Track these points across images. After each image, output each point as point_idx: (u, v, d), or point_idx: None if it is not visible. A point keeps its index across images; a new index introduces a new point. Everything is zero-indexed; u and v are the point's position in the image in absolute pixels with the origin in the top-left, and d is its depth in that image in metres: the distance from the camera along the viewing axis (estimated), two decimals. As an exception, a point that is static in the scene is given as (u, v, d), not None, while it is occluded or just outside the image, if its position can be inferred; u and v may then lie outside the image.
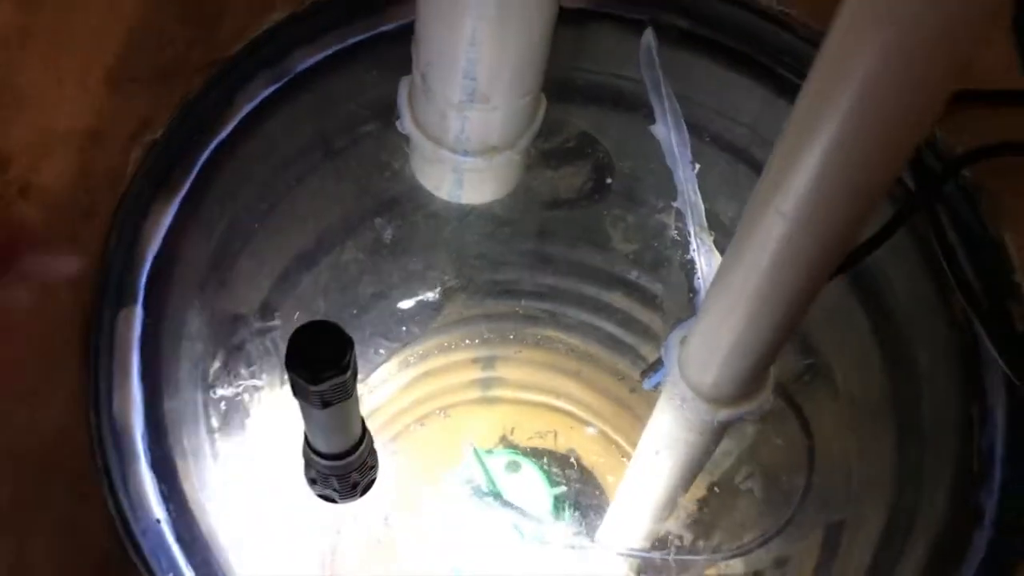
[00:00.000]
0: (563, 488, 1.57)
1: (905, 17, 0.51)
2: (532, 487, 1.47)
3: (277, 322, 1.16)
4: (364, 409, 1.65)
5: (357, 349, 1.24)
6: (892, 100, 0.55)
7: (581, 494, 1.70)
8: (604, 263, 1.44)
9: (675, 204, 0.99)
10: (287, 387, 0.70)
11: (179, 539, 0.81)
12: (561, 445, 1.86)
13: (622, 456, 1.80)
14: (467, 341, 1.67)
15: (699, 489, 1.59)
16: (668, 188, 1.01)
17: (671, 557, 1.28)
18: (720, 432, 0.94)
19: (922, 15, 0.50)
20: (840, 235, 0.65)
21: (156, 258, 0.92)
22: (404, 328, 1.48)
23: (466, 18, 0.84)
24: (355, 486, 0.79)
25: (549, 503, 1.44)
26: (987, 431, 0.89)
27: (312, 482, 0.80)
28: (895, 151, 0.59)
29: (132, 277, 0.90)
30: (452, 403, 1.82)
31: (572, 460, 1.83)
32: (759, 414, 0.89)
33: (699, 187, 1.00)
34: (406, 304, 1.48)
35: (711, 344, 0.84)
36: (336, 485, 0.78)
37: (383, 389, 1.67)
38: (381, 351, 1.48)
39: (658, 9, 1.08)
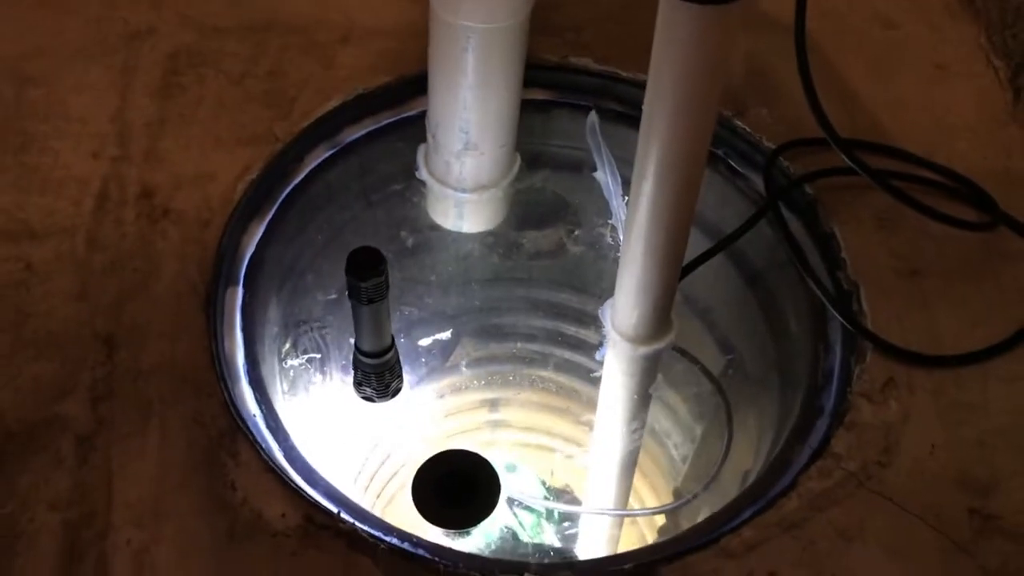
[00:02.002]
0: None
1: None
2: (527, 483, 1.81)
3: (327, 328, 1.57)
4: (385, 447, 2.04)
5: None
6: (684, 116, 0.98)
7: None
8: (578, 303, 1.85)
9: (611, 222, 1.41)
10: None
11: (269, 426, 1.19)
12: (558, 481, 2.20)
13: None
14: (475, 382, 2.06)
15: (666, 495, 1.94)
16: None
17: (637, 513, 1.62)
18: (647, 367, 1.31)
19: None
20: (681, 187, 1.06)
21: (251, 258, 1.34)
22: (423, 359, 1.88)
23: (461, 89, 1.29)
24: (388, 386, 1.18)
25: (542, 494, 1.78)
26: (828, 358, 1.27)
27: (358, 385, 1.19)
28: (695, 129, 1.01)
29: (236, 268, 1.32)
30: (464, 444, 2.17)
31: (567, 492, 2.17)
32: (668, 349, 1.28)
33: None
34: (424, 342, 1.88)
35: (626, 297, 1.23)
36: (375, 384, 1.17)
37: (406, 427, 2.04)
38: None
39: (600, 97, 1.54)
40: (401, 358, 1.86)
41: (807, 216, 1.37)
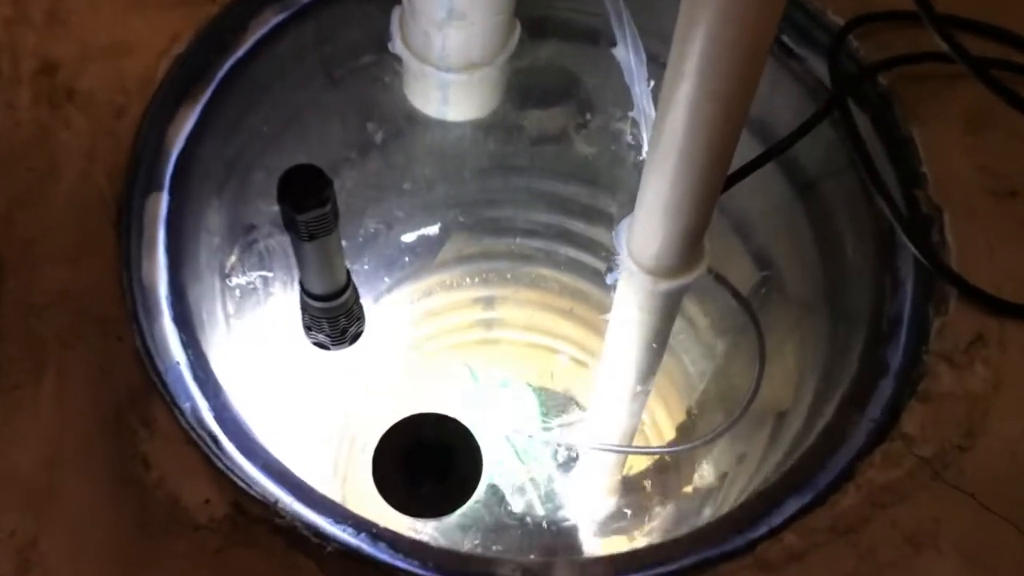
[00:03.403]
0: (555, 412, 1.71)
1: None
2: (523, 402, 1.60)
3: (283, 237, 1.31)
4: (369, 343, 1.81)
5: (362, 280, 1.39)
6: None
7: (573, 421, 1.83)
8: (588, 198, 1.58)
9: (631, 114, 1.13)
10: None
11: (196, 377, 0.95)
12: (558, 384, 2.00)
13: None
14: (468, 280, 1.82)
15: (680, 414, 1.73)
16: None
17: (645, 451, 1.41)
18: (667, 305, 1.07)
19: None
20: (731, 90, 0.78)
21: (180, 155, 1.07)
22: (407, 259, 1.63)
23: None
24: (344, 332, 0.94)
25: (539, 415, 1.57)
26: (897, 300, 1.02)
27: (308, 329, 0.95)
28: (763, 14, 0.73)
29: (159, 168, 1.05)
30: (456, 343, 1.96)
31: (569, 397, 1.97)
32: (695, 285, 1.03)
33: (653, 101, 1.13)
34: (409, 237, 1.63)
35: (647, 219, 0.97)
36: (327, 329, 0.93)
37: (390, 325, 1.81)
38: (386, 279, 1.63)
39: (622, -49, 1.22)
40: (381, 256, 1.63)
41: (878, 114, 1.09)
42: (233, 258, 1.19)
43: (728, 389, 1.56)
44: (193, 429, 0.89)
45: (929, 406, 0.91)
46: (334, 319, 0.92)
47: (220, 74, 1.12)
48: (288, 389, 1.28)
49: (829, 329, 1.17)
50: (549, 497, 1.56)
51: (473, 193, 1.59)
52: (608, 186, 1.51)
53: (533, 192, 1.61)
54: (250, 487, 0.87)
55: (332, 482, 1.63)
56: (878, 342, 1.00)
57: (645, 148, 1.10)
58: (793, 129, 1.08)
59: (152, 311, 0.97)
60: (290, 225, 0.80)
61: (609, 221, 1.60)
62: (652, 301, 1.05)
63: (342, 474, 1.71)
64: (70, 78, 1.07)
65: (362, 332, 0.97)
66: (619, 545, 1.75)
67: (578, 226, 1.65)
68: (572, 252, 1.72)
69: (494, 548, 1.50)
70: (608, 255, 1.69)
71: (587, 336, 1.90)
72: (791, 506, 0.90)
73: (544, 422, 1.58)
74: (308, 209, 0.77)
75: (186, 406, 0.92)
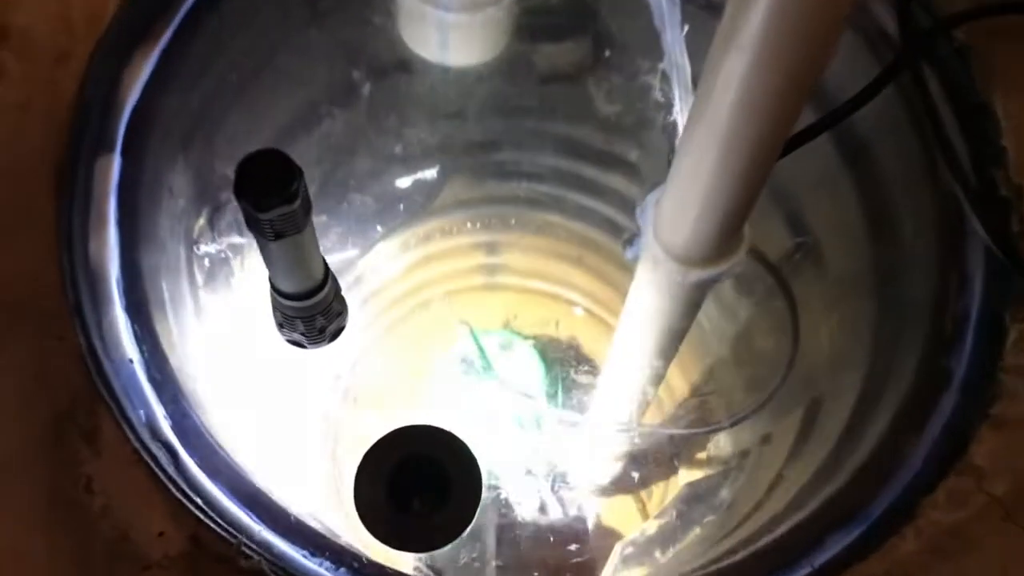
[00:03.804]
0: (559, 369, 1.59)
1: None
2: (526, 365, 1.48)
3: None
4: (364, 289, 1.68)
5: (353, 225, 1.24)
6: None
7: (580, 382, 1.71)
8: (603, 143, 1.42)
9: (661, 66, 0.97)
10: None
11: (151, 379, 0.82)
12: (563, 332, 1.87)
13: (623, 345, 1.80)
14: (469, 225, 1.67)
15: (694, 374, 1.61)
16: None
17: (659, 431, 1.29)
18: (693, 296, 0.93)
19: None
20: (798, 67, 0.63)
21: (136, 108, 0.92)
22: (402, 206, 1.48)
23: None
24: (322, 331, 0.80)
25: (543, 381, 1.46)
26: (964, 298, 0.87)
27: (280, 326, 0.81)
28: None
29: (110, 125, 0.90)
30: (455, 288, 1.83)
31: (573, 347, 1.84)
32: (730, 276, 0.89)
33: (687, 50, 0.97)
34: (404, 182, 1.48)
35: (682, 200, 0.83)
36: (302, 328, 0.79)
37: (385, 269, 1.68)
38: (379, 227, 1.49)
39: None
40: (373, 202, 1.48)
41: (951, 76, 0.93)
42: (201, 221, 1.04)
43: (748, 353, 1.43)
44: (145, 446, 0.77)
45: (1003, 433, 0.78)
46: (310, 318, 0.78)
47: (183, 9, 0.96)
48: (270, 361, 1.15)
49: (876, 317, 1.03)
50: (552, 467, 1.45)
51: (475, 135, 1.44)
52: (628, 131, 1.35)
53: (542, 135, 1.45)
54: (213, 517, 0.75)
55: (323, 451, 1.52)
56: (940, 347, 0.87)
57: (677, 107, 0.95)
58: (849, 87, 0.92)
59: (100, 300, 0.84)
60: (251, 223, 0.65)
61: (627, 168, 1.45)
62: (679, 291, 0.91)
63: (333, 434, 1.60)
64: (1, 13, 0.91)
65: (344, 327, 0.83)
66: (626, 505, 1.66)
67: (591, 172, 1.50)
68: (584, 199, 1.57)
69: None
70: (623, 202, 1.55)
71: (597, 285, 1.77)
72: (835, 543, 0.78)
73: (549, 393, 1.46)
74: (272, 207, 0.63)
75: (139, 415, 0.79)
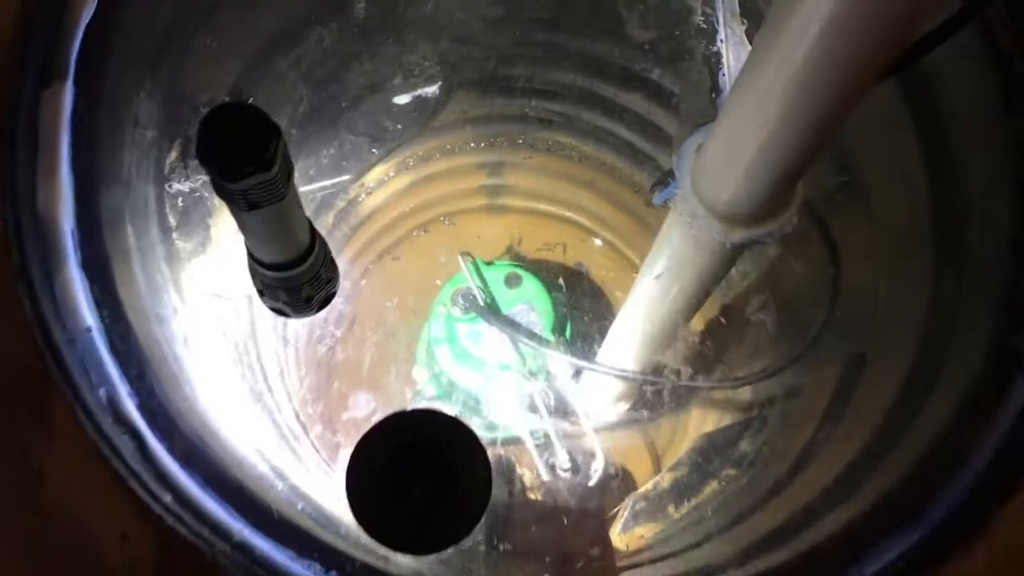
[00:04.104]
0: (565, 308, 1.48)
1: None
2: (533, 303, 1.38)
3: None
4: (362, 212, 1.56)
5: (347, 148, 1.11)
6: None
7: (588, 310, 1.61)
8: (623, 59, 1.28)
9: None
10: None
11: (113, 349, 0.71)
12: (570, 258, 1.76)
13: (634, 272, 1.69)
14: (472, 144, 1.54)
15: (710, 311, 1.50)
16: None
17: (674, 382, 1.19)
18: (733, 256, 0.82)
19: None
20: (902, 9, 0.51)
21: (90, 26, 0.79)
22: (400, 126, 1.35)
23: None
24: (309, 300, 0.69)
25: (549, 320, 1.35)
26: (1044, 266, 0.77)
27: (260, 293, 0.70)
28: None
29: (60, 48, 0.77)
30: (457, 210, 1.71)
31: (581, 273, 1.73)
32: (778, 236, 0.77)
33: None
34: (402, 99, 1.34)
35: (731, 152, 0.71)
36: (286, 298, 0.68)
37: (382, 191, 1.56)
38: (375, 150, 1.36)
39: None
40: (369, 120, 1.35)
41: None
42: (173, 155, 0.92)
43: (775, 291, 1.32)
44: (104, 434, 0.67)
45: (1090, 432, 0.68)
46: (294, 288, 0.67)
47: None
48: (257, 311, 1.04)
49: (933, 275, 0.92)
50: (558, 406, 1.36)
51: (481, 48, 1.29)
52: (652, 47, 1.21)
53: (554, 48, 1.31)
54: (184, 519, 0.65)
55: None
56: (1013, 323, 0.76)
57: (721, 35, 0.82)
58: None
59: (52, 257, 0.72)
60: (221, 192, 0.53)
61: (649, 87, 1.31)
62: (719, 250, 0.80)
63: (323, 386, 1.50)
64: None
65: (334, 293, 0.72)
66: (634, 441, 1.58)
67: (608, 90, 1.36)
68: (598, 119, 1.43)
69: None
70: (643, 125, 1.42)
71: (609, 210, 1.65)
72: (890, 548, 0.69)
73: (555, 331, 1.35)
74: (245, 175, 0.51)
75: (98, 394, 0.69)
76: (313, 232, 0.65)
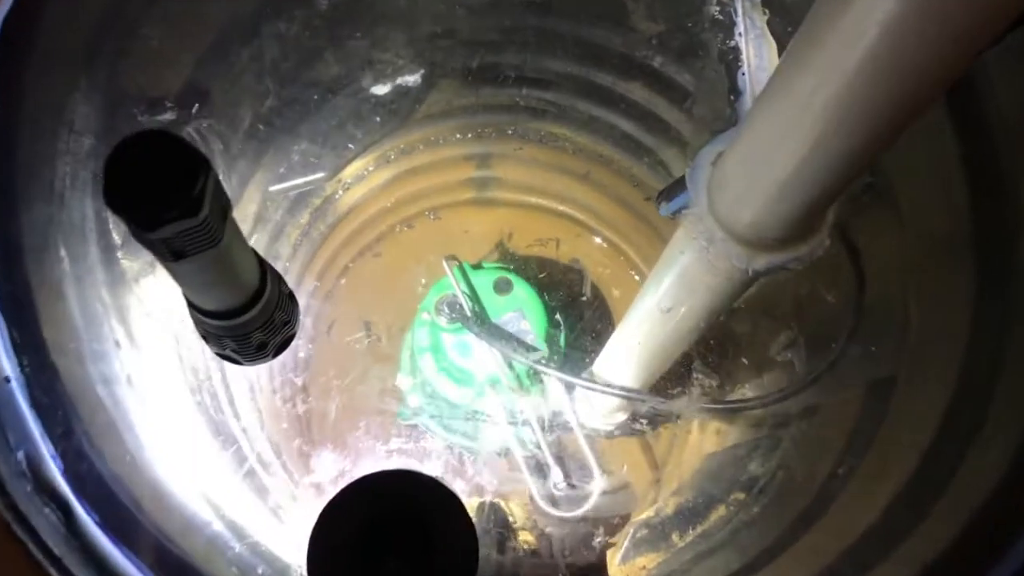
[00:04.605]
0: (559, 314, 1.38)
1: None
2: (524, 310, 1.28)
3: (208, 119, 0.92)
4: (339, 209, 1.45)
5: (319, 145, 1.00)
6: None
7: (584, 312, 1.51)
8: (622, 45, 1.17)
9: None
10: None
11: (35, 404, 0.61)
12: (564, 254, 1.65)
13: (631, 269, 1.59)
14: (458, 136, 1.43)
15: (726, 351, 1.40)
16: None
17: (678, 409, 1.10)
18: (752, 281, 0.72)
19: None
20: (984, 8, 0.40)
21: (10, 14, 0.68)
22: (378, 119, 1.24)
23: None
24: (262, 347, 0.59)
25: (542, 328, 1.25)
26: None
27: (204, 339, 0.60)
28: None
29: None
30: (442, 204, 1.59)
31: (576, 271, 1.63)
32: (807, 262, 0.67)
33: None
34: (381, 89, 1.23)
35: (757, 169, 0.60)
36: (234, 346, 0.58)
37: (361, 186, 1.45)
38: (351, 144, 1.25)
39: None
40: (343, 113, 1.24)
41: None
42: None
43: (802, 325, 1.21)
44: (16, 509, 0.56)
45: None
46: (243, 336, 0.56)
47: None
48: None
49: (972, 295, 0.82)
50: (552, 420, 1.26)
51: (467, 33, 1.18)
52: (654, 34, 1.10)
53: (548, 34, 1.20)
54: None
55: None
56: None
57: (739, 31, 0.71)
58: None
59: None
60: (140, 240, 0.43)
61: (649, 76, 1.20)
62: (738, 276, 0.70)
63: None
64: None
65: (293, 336, 0.62)
66: (631, 450, 1.48)
67: (606, 79, 1.25)
68: (594, 109, 1.32)
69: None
70: (642, 115, 1.31)
71: (605, 203, 1.54)
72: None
73: (548, 339, 1.26)
74: (165, 222, 0.40)
75: (16, 458, 0.59)
76: (264, 269, 0.55)
